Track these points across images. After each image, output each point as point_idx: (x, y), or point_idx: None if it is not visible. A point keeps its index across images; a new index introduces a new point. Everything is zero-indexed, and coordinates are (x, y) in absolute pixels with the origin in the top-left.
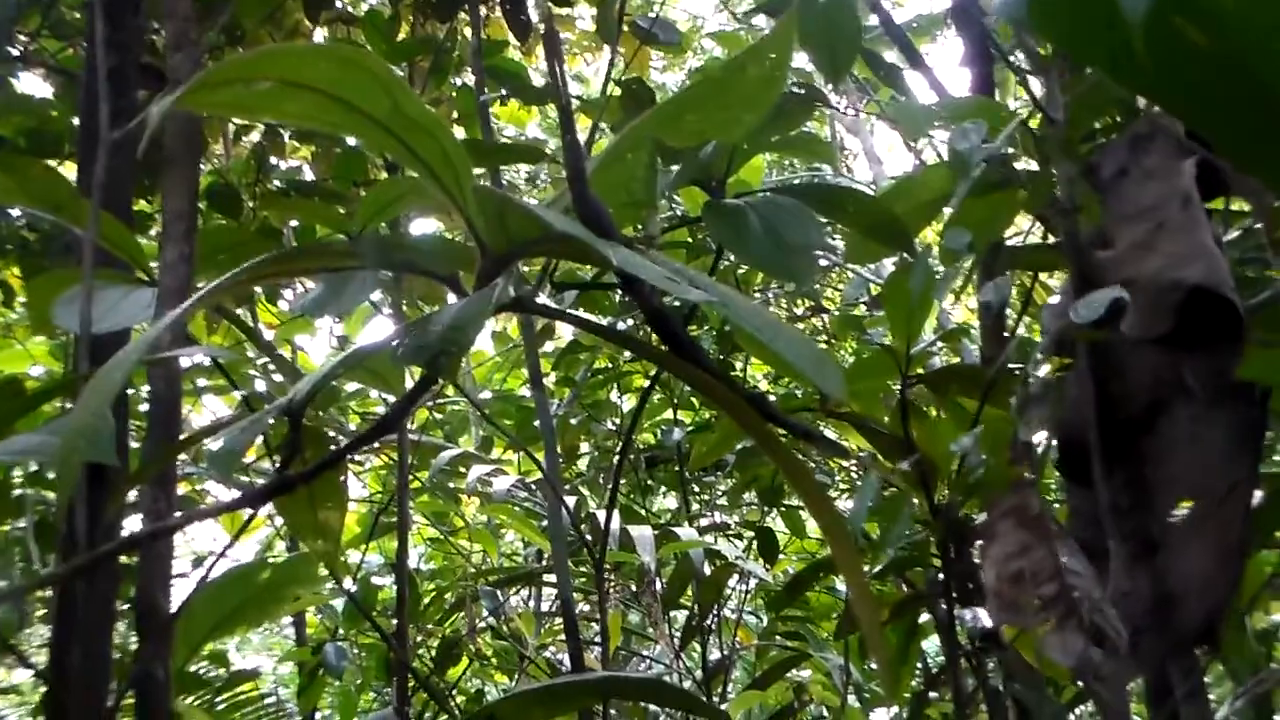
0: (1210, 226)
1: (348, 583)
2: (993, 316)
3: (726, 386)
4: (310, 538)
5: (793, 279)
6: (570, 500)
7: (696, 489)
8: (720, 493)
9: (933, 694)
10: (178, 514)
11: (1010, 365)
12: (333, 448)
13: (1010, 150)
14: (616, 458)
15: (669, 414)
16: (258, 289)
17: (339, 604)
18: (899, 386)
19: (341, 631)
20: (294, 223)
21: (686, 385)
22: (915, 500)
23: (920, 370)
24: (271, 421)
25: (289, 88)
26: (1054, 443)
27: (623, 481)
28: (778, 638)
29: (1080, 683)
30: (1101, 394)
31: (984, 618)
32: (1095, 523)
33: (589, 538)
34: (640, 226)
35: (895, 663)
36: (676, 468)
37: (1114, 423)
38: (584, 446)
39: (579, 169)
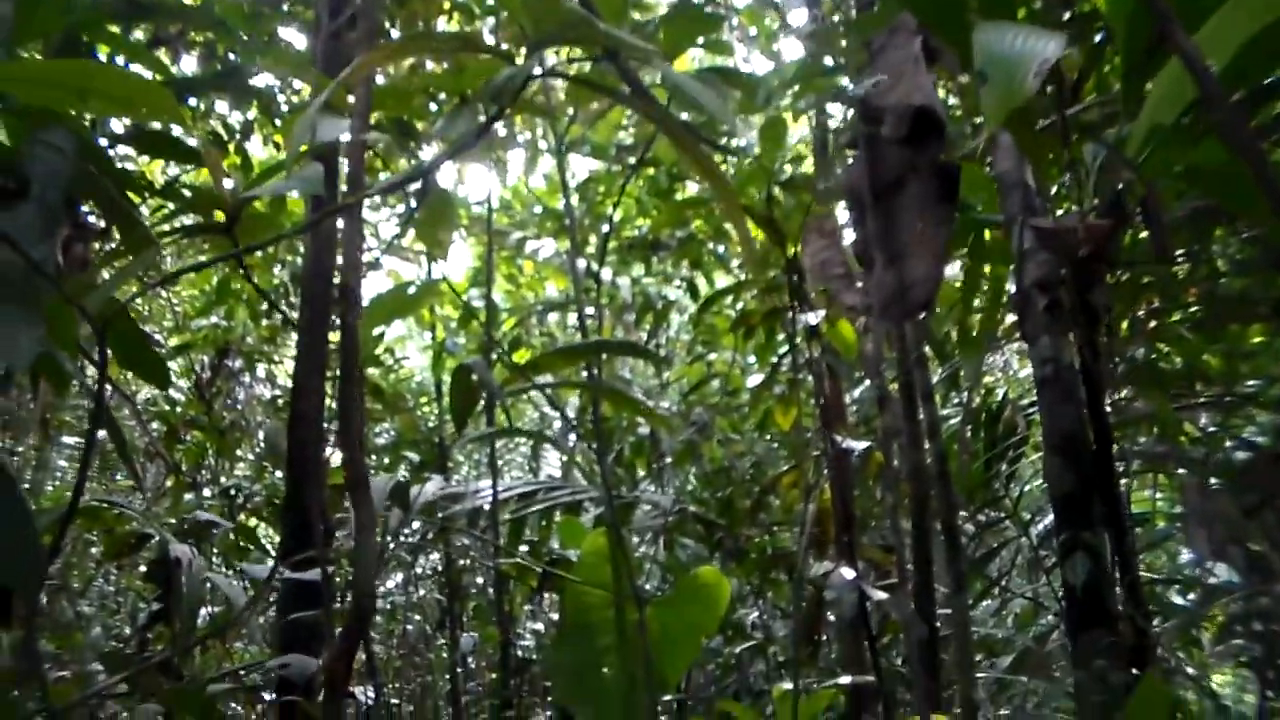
0: (929, 76)
1: None
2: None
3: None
4: (434, 249)
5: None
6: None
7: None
8: None
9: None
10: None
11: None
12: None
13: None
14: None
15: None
16: None
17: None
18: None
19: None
20: None
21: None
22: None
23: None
24: None
25: None
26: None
27: None
28: None
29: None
30: (871, 169)
31: (813, 318)
32: (866, 243)
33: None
34: None
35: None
36: None
37: (878, 186)
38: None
39: None
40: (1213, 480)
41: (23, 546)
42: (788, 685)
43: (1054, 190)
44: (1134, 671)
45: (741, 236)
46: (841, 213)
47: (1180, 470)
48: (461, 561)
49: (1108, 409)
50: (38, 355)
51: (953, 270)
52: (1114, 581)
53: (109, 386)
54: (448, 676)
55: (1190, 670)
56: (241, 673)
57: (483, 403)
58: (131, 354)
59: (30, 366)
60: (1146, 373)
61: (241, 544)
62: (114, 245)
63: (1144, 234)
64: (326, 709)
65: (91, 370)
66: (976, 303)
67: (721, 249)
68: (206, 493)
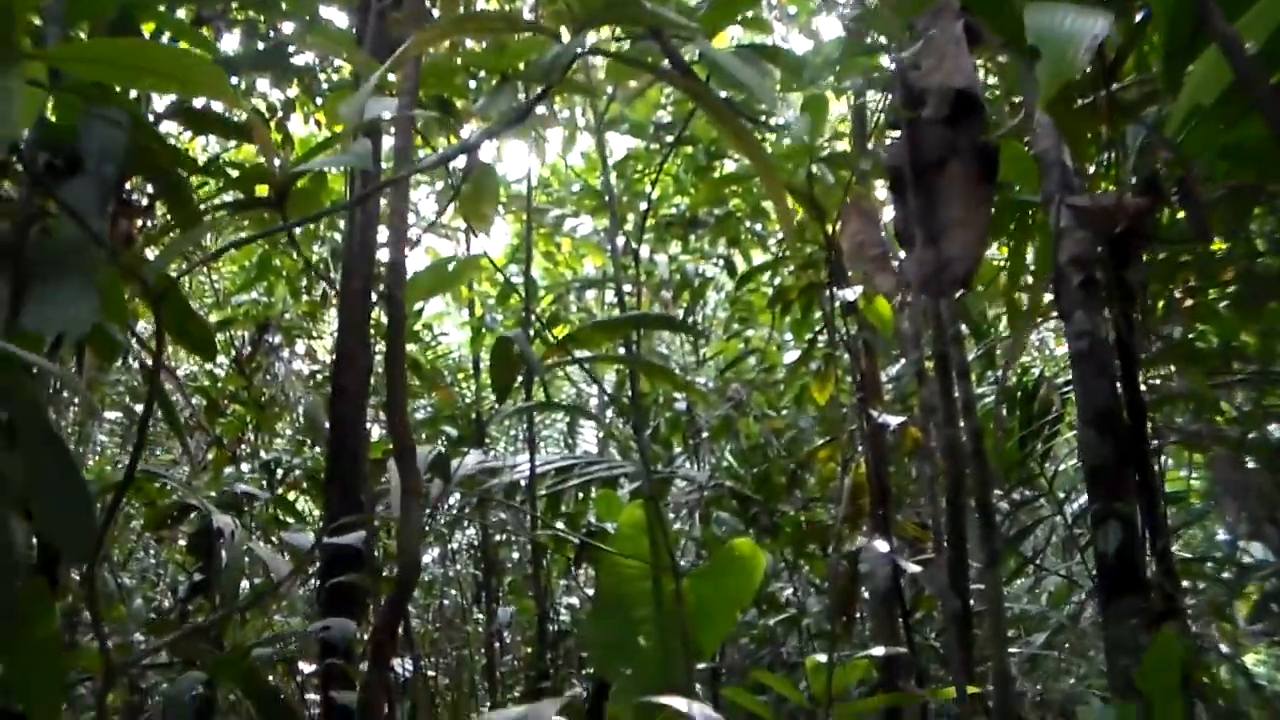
0: (970, 58)
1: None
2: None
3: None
4: (478, 223)
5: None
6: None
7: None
8: None
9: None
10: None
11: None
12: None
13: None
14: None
15: None
16: None
17: None
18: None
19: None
20: None
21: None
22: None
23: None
24: None
25: None
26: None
27: None
28: None
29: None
30: (912, 149)
31: (850, 295)
32: (906, 221)
33: None
34: None
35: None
36: None
37: (919, 166)
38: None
39: None
40: (1247, 458)
41: (79, 515)
42: (821, 657)
43: (1092, 169)
44: None
45: (780, 211)
46: (881, 193)
47: (1215, 448)
48: (498, 537)
49: (1143, 386)
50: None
51: (991, 250)
52: (1145, 550)
53: (149, 355)
54: (484, 650)
55: (1224, 648)
56: (281, 643)
57: (520, 378)
58: (180, 326)
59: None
60: (1183, 350)
61: (280, 516)
62: (156, 221)
63: (1181, 213)
64: (371, 678)
65: (135, 343)
66: (1025, 280)
67: (759, 227)
68: (245, 467)
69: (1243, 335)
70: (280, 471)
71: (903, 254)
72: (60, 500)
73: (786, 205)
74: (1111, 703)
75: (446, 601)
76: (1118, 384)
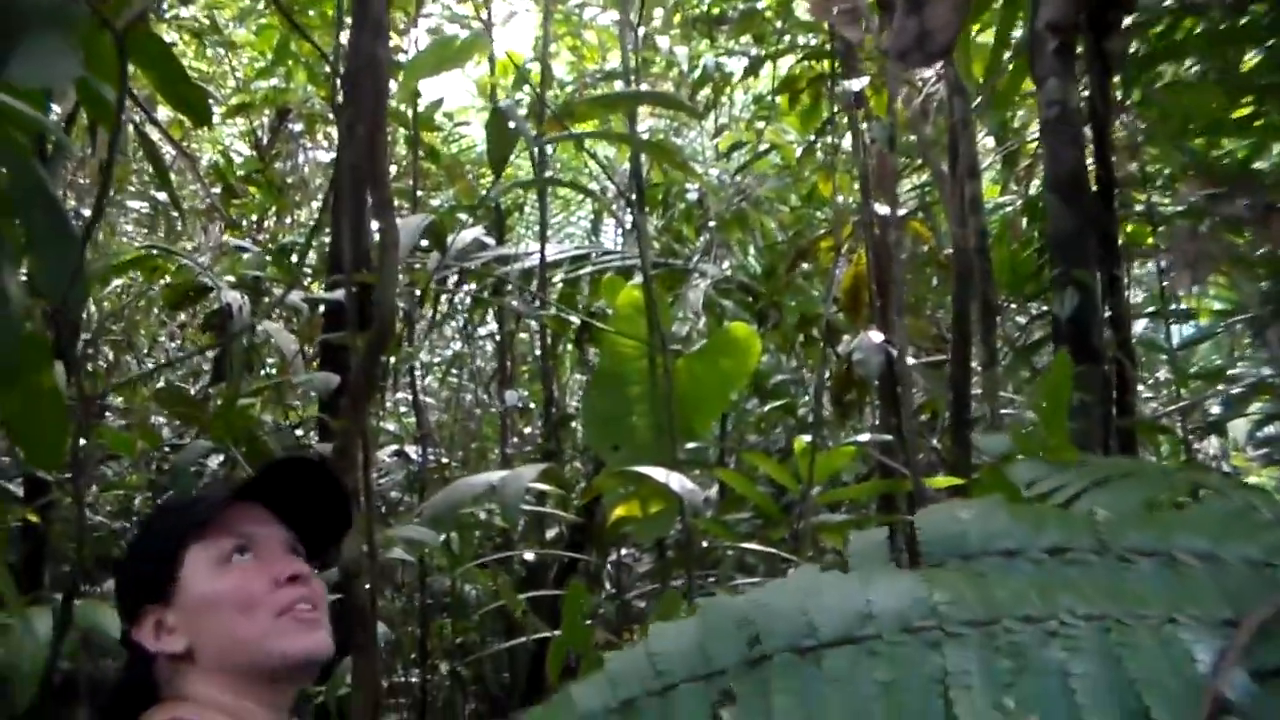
0: None
1: None
2: None
3: None
4: None
5: None
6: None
7: None
8: None
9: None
10: None
11: None
12: None
13: None
14: None
15: None
16: None
17: None
18: None
19: None
20: None
21: None
22: None
23: None
24: None
25: None
26: None
27: None
28: None
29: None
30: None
31: (856, 86)
32: None
33: None
34: None
35: None
36: None
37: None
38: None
39: None
40: (1203, 226)
41: (71, 268)
42: (808, 439)
43: None
44: (1115, 407)
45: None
46: None
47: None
48: (509, 327)
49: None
50: (77, 78)
51: None
52: (1102, 319)
53: (170, 144)
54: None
55: (1226, 467)
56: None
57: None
58: (175, 90)
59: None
60: (1158, 117)
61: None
62: None
63: None
64: (347, 426)
65: (153, 130)
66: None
67: (780, 24)
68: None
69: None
70: (296, 256)
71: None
72: (55, 256)
73: None
74: None
75: (468, 397)
76: (1087, 155)
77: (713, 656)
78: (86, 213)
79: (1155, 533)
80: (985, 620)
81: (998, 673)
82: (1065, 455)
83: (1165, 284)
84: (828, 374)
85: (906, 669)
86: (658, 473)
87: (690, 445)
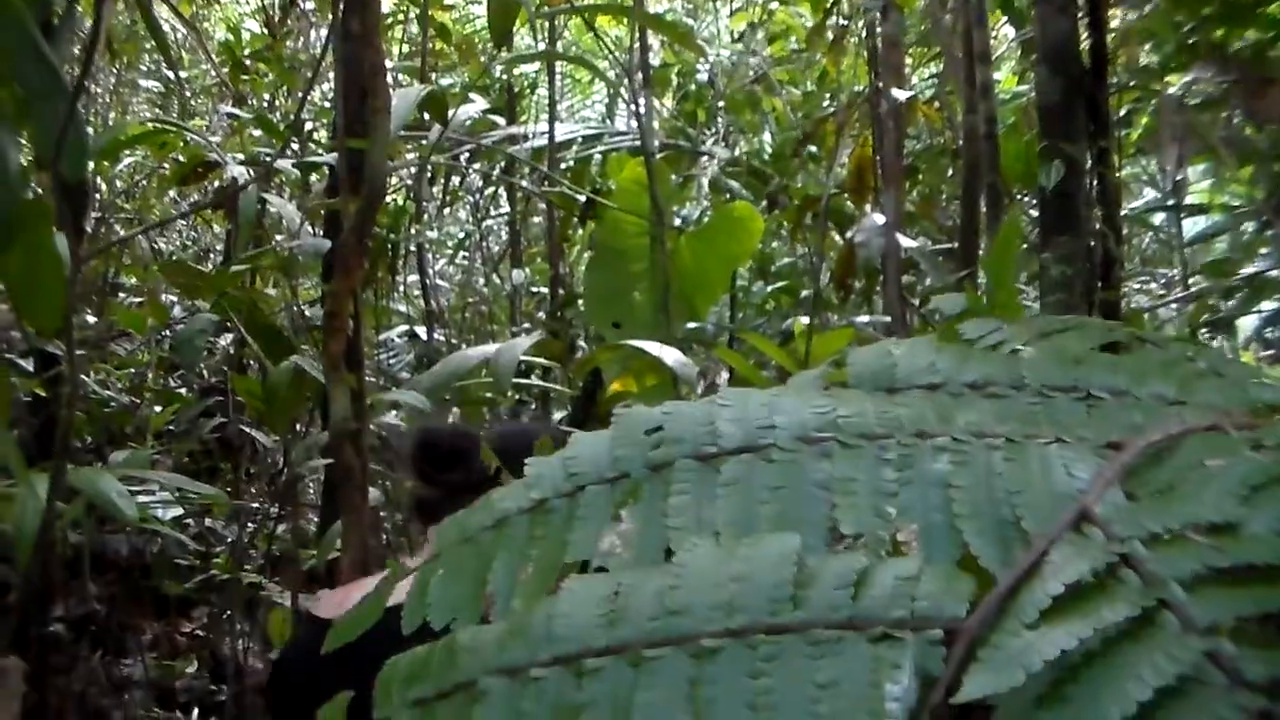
0: None
1: None
2: None
3: None
4: None
5: None
6: None
7: None
8: None
9: None
10: None
11: None
12: None
13: None
14: None
15: None
16: None
17: None
18: None
19: None
20: None
21: None
22: None
23: None
24: None
25: None
26: None
27: None
28: None
29: None
30: None
31: None
32: None
33: None
34: None
35: None
36: None
37: None
38: None
39: None
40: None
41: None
42: (806, 320)
43: None
44: (1100, 281)
45: None
46: None
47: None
48: (519, 210)
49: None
50: None
51: None
52: (1089, 193)
53: (179, 20)
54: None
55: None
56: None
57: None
58: None
59: None
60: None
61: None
62: None
63: None
64: (334, 288)
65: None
66: None
67: None
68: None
69: None
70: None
71: None
72: (47, 111)
73: None
74: None
75: (481, 282)
76: (1079, 25)
77: (621, 460)
78: (96, 92)
79: (1078, 373)
80: (881, 435)
81: (883, 482)
82: (1012, 312)
83: (1155, 162)
84: (831, 255)
85: (796, 475)
86: (652, 347)
87: (691, 325)
